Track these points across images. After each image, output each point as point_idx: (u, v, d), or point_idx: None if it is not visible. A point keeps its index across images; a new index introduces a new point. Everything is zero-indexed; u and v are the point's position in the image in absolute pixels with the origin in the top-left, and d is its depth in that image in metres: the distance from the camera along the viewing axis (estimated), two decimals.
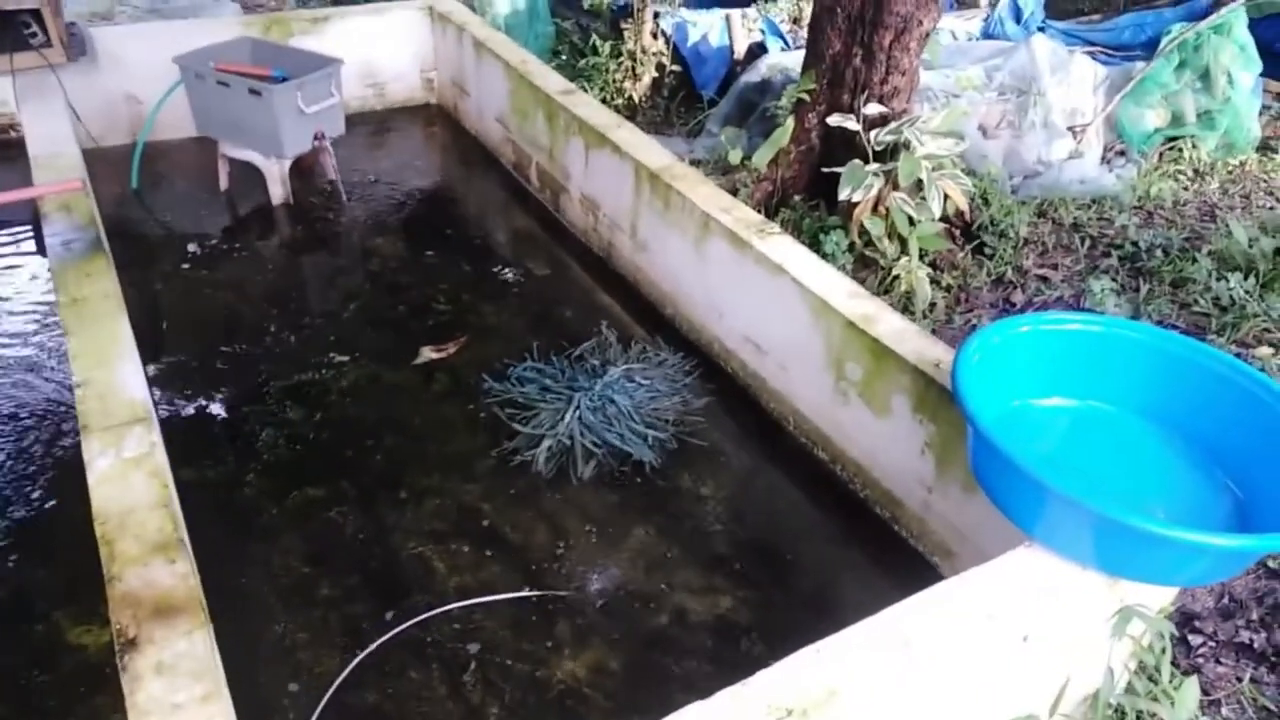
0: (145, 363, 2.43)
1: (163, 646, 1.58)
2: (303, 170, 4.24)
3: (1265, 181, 4.73)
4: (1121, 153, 4.85)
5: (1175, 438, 2.05)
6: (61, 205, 2.94)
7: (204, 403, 2.98)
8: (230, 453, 2.77)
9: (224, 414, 2.94)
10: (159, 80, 4.04)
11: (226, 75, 3.82)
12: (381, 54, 4.90)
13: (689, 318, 3.37)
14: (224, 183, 4.14)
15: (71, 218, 2.87)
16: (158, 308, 3.42)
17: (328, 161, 4.11)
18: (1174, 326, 3.58)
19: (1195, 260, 3.86)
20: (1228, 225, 4.07)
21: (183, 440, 2.78)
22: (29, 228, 3.77)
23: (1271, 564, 2.61)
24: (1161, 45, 4.80)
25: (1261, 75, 4.92)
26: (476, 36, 4.54)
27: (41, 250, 3.41)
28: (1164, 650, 2.01)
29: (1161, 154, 4.86)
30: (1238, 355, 3.37)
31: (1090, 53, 5.28)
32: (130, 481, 1.91)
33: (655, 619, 2.36)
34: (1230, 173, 4.81)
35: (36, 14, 3.87)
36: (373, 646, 2.23)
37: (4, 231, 3.80)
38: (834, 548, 2.66)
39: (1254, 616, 2.46)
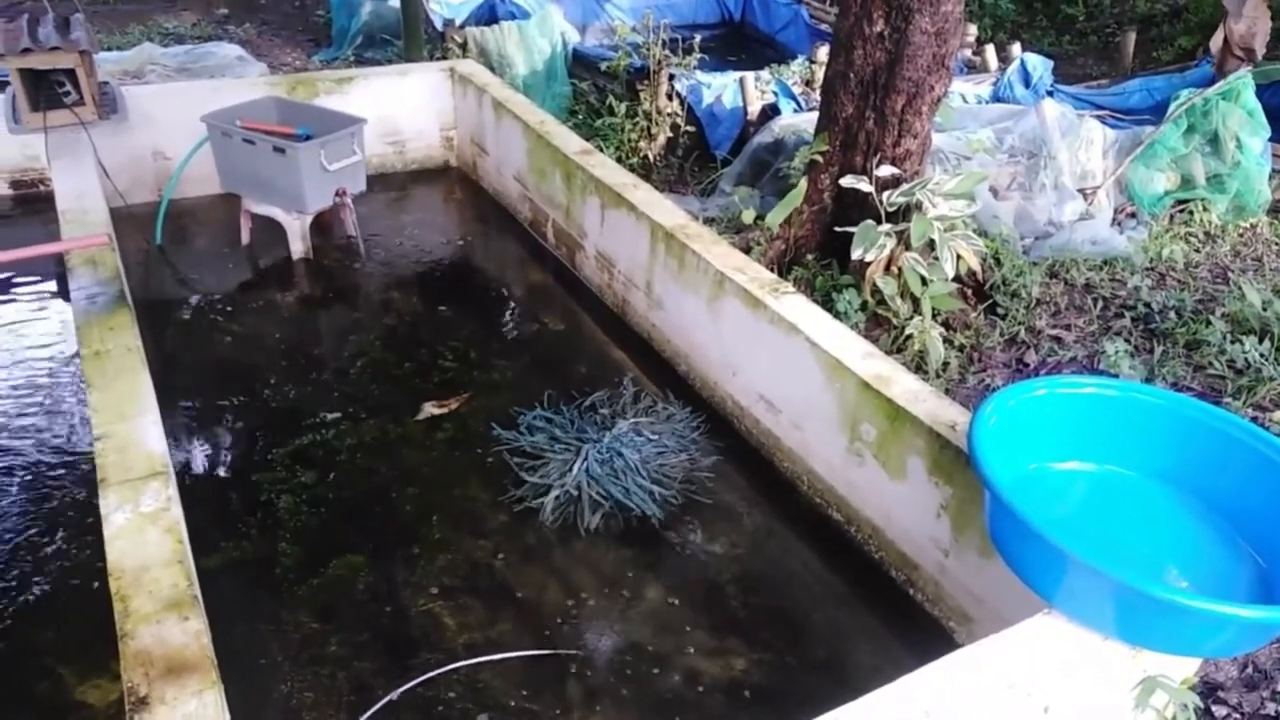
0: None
1: (174, 706, 1.57)
2: (323, 226, 4.31)
3: (1277, 244, 4.75)
4: (1132, 215, 4.88)
5: (1195, 504, 2.03)
6: (87, 260, 2.99)
7: (214, 460, 3.00)
8: (250, 521, 2.76)
9: (234, 471, 2.94)
10: (187, 138, 4.13)
11: (252, 133, 3.92)
12: (403, 113, 5.01)
13: (702, 375, 3.38)
14: (245, 238, 4.21)
15: (97, 272, 2.92)
16: (173, 362, 3.45)
17: (348, 217, 4.18)
18: (1189, 389, 3.57)
19: (1209, 323, 3.86)
20: (1241, 288, 4.08)
21: (191, 497, 2.78)
22: (54, 281, 3.84)
23: None
24: (1170, 110, 4.87)
25: (1270, 140, 4.97)
26: (497, 98, 4.64)
27: (67, 303, 3.45)
28: None
29: (1172, 216, 4.90)
30: (1254, 419, 3.35)
31: (1099, 116, 5.35)
32: (146, 536, 1.91)
33: (667, 680, 2.33)
34: (1241, 235, 4.83)
35: (71, 73, 3.98)
36: (377, 706, 2.20)
37: (31, 284, 3.87)
38: (848, 611, 2.63)
39: (1279, 688, 2.41)
